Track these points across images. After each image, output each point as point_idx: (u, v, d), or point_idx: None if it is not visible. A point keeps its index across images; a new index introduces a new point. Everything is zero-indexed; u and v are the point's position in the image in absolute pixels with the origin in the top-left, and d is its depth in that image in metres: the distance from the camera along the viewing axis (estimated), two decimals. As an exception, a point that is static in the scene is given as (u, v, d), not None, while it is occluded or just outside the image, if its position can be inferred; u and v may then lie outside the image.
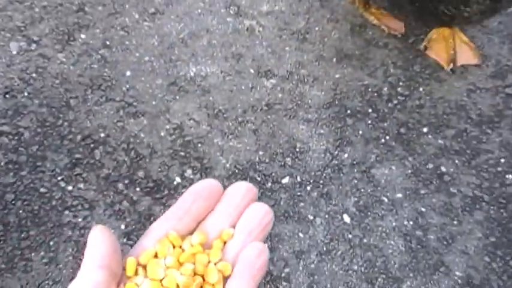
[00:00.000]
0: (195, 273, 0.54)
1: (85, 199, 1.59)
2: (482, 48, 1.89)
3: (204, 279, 0.54)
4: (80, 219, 1.56)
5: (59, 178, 1.63)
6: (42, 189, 1.61)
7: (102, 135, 1.70)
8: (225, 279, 0.54)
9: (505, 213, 1.57)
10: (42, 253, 1.51)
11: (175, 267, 0.54)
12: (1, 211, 1.57)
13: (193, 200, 0.57)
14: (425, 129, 1.72)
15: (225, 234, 0.57)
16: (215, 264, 0.55)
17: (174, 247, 0.56)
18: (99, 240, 0.55)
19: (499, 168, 1.65)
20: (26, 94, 1.75)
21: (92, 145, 1.68)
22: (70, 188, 1.61)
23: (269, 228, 0.60)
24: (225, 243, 0.57)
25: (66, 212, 1.57)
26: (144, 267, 0.55)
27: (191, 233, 0.57)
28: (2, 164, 1.64)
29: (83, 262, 0.54)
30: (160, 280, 0.53)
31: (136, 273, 0.54)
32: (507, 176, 1.63)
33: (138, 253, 0.57)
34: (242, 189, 0.59)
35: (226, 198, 0.59)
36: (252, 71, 1.86)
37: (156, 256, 0.55)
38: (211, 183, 0.58)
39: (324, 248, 1.56)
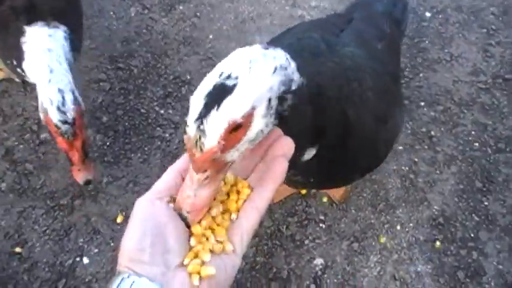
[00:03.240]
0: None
1: (172, 121, 1.73)
2: (464, 53, 1.96)
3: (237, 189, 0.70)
4: (167, 135, 1.71)
5: (155, 104, 1.78)
6: (142, 110, 1.76)
7: (188, 77, 1.85)
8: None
9: (471, 169, 1.71)
10: (139, 155, 1.67)
11: None
12: (113, 121, 1.72)
13: None
14: (422, 103, 1.85)
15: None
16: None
17: None
18: (167, 173, 0.71)
19: (470, 138, 1.78)
20: (137, 43, 1.89)
21: (180, 83, 1.83)
22: (162, 111, 1.76)
23: (291, 153, 0.72)
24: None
25: (158, 128, 1.72)
26: None
27: None
28: (117, 89, 1.79)
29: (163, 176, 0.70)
30: None
31: None
32: (475, 144, 1.77)
33: None
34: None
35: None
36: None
37: None
38: None
39: (341, 178, 1.66)
